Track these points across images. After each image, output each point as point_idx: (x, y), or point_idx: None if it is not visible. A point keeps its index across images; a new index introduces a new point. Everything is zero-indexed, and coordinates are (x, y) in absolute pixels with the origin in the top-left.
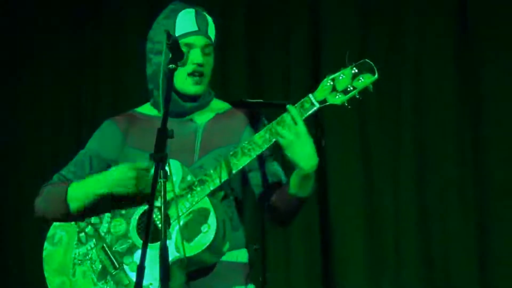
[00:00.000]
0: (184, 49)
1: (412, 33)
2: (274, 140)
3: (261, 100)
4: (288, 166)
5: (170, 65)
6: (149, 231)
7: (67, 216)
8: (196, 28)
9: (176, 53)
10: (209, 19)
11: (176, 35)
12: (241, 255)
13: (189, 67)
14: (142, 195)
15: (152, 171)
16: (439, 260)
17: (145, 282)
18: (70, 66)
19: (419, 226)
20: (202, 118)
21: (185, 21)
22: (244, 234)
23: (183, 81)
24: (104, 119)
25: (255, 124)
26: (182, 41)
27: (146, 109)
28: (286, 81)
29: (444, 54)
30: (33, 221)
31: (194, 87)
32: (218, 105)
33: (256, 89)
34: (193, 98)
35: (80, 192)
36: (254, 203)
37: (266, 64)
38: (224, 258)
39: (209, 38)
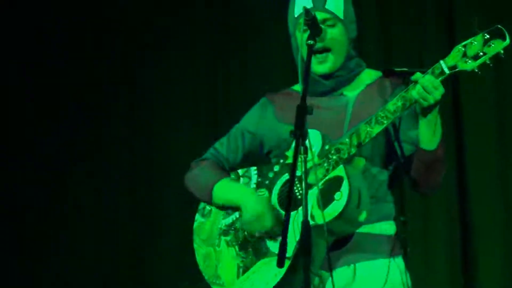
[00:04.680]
0: (302, 28)
1: None
2: (407, 106)
3: (406, 69)
4: None
5: (309, 41)
6: (290, 208)
7: (210, 204)
8: (311, 5)
9: (314, 29)
10: None
11: (296, 15)
12: (385, 227)
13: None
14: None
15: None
16: None
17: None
18: (205, 55)
19: None
20: (352, 91)
21: (302, 0)
22: (393, 207)
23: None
24: (240, 107)
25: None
26: (300, 21)
27: (299, 87)
28: (419, 52)
29: None
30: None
31: (318, 67)
32: (369, 75)
33: (388, 60)
34: (326, 76)
35: (223, 194)
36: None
37: (399, 35)
38: (367, 230)
39: (327, 11)
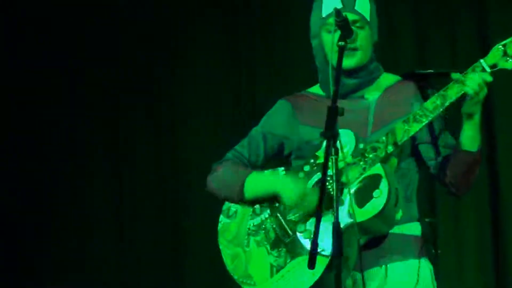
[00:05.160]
0: (331, 28)
1: None
2: (447, 105)
3: (432, 70)
4: None
5: (340, 43)
6: (321, 210)
7: (239, 201)
8: (340, 5)
9: (345, 30)
10: None
11: (323, 15)
12: (414, 228)
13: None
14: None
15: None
16: None
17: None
18: (227, 52)
19: None
20: (373, 95)
21: (331, 0)
22: (417, 207)
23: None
24: (262, 106)
25: (424, 94)
26: (329, 21)
27: (316, 89)
28: (452, 52)
29: None
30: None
31: (346, 60)
32: (388, 79)
33: (423, 61)
34: (350, 72)
35: (256, 185)
36: (423, 178)
37: (432, 35)
38: (397, 230)
39: (356, 13)
